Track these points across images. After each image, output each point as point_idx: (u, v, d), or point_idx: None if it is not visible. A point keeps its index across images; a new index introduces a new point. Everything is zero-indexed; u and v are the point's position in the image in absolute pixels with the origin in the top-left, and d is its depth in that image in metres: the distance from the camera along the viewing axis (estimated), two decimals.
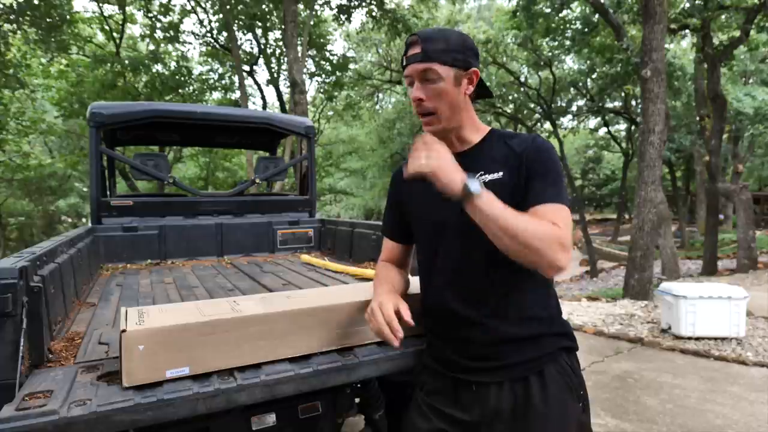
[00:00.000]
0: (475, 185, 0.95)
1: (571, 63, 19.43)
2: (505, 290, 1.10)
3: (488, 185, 1.08)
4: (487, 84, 1.24)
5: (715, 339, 4.64)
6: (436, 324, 1.22)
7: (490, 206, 0.96)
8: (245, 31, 14.47)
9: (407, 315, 1.12)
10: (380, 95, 22.66)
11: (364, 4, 12.56)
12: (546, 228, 0.97)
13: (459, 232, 1.10)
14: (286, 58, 11.90)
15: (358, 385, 1.63)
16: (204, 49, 15.33)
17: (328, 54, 15.81)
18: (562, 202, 1.06)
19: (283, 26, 11.03)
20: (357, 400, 1.61)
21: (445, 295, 1.17)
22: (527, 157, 1.09)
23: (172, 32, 13.57)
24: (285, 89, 15.60)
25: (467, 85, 1.13)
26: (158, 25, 13.27)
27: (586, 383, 1.19)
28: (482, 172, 1.11)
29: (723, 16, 10.90)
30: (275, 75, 16.05)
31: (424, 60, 1.08)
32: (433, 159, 0.97)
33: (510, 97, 19.89)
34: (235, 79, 14.82)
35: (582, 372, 1.20)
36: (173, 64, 14.66)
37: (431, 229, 1.21)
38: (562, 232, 0.99)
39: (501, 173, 1.10)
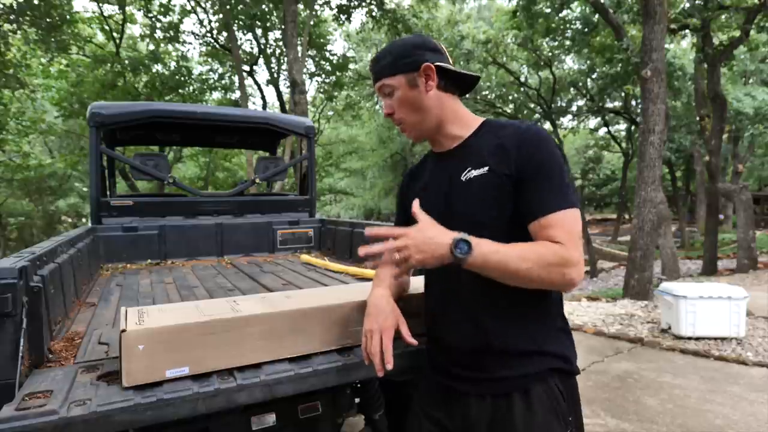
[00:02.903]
0: (461, 249, 0.92)
1: (571, 63, 19.44)
2: (498, 301, 1.06)
3: (472, 181, 1.08)
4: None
5: (715, 339, 4.64)
6: (432, 327, 1.22)
7: (485, 261, 0.94)
8: (245, 31, 14.47)
9: (408, 336, 1.12)
10: None
11: (364, 4, 12.56)
12: (547, 254, 0.95)
13: (456, 226, 1.09)
14: (286, 58, 11.91)
15: (358, 385, 1.63)
16: (204, 49, 15.33)
17: (328, 54, 15.82)
18: (564, 205, 1.00)
19: (283, 26, 11.03)
20: (357, 400, 1.61)
21: (441, 300, 1.17)
22: (519, 152, 1.03)
23: (172, 32, 13.57)
24: (285, 89, 15.61)
25: (426, 82, 1.10)
26: (158, 25, 13.27)
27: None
28: (469, 168, 1.09)
29: (723, 16, 10.88)
30: (275, 75, 16.05)
31: (376, 80, 1.14)
32: (411, 253, 0.94)
33: (510, 97, 19.88)
34: (235, 79, 14.84)
35: (576, 393, 1.11)
36: (173, 64, 14.67)
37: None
38: (565, 250, 0.96)
39: (486, 168, 1.06)
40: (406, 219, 1.31)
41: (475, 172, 1.08)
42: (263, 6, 12.86)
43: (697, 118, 12.38)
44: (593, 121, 24.40)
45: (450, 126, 1.15)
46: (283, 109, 15.24)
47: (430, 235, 0.95)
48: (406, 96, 1.11)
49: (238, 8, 12.78)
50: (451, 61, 1.15)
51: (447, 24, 16.35)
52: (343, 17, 12.87)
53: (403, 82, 1.10)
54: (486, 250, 0.94)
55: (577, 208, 1.02)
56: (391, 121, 1.16)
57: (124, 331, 1.03)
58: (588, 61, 16.54)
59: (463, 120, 1.15)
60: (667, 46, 9.86)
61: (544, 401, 1.04)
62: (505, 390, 1.05)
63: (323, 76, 16.70)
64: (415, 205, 1.03)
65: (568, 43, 15.03)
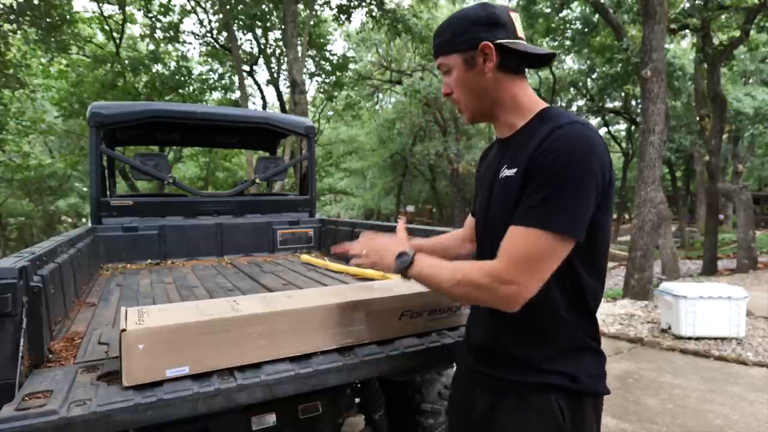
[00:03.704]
0: (401, 261, 1.08)
1: (571, 63, 19.46)
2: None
3: (502, 181, 1.03)
4: None
5: (715, 339, 4.63)
6: (468, 318, 1.24)
7: (419, 275, 1.06)
8: (245, 31, 14.47)
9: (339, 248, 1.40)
10: (380, 95, 22.65)
11: (364, 4, 12.55)
12: (473, 274, 0.94)
13: (489, 225, 1.07)
14: (286, 58, 11.91)
15: (358, 385, 1.63)
16: (204, 49, 15.34)
17: (328, 54, 15.82)
18: (533, 222, 0.90)
19: (283, 26, 11.03)
20: (357, 400, 1.61)
21: None
22: (537, 149, 0.93)
23: (172, 32, 13.57)
24: (285, 89, 15.62)
25: (484, 63, 1.00)
26: (158, 25, 13.28)
27: None
28: (505, 166, 1.02)
29: (723, 16, 10.89)
30: (275, 75, 16.05)
31: (435, 56, 1.08)
32: (370, 258, 1.19)
33: None
34: (235, 79, 14.84)
35: (588, 416, 1.00)
36: (173, 64, 14.67)
37: (477, 216, 1.18)
38: (497, 267, 0.91)
39: (515, 170, 0.97)
40: (475, 200, 1.26)
41: (507, 172, 1.01)
42: (263, 6, 12.86)
43: (697, 118, 12.38)
44: (593, 121, 24.39)
45: (505, 113, 1.06)
46: (283, 109, 15.24)
47: (384, 245, 1.16)
48: (462, 76, 1.04)
49: (238, 8, 12.78)
50: (521, 35, 1.02)
51: None
52: (343, 17, 12.86)
53: (459, 62, 1.03)
54: (423, 265, 1.05)
55: (553, 231, 0.88)
56: (450, 100, 1.10)
57: (124, 330, 1.03)
58: (588, 61, 16.56)
59: (520, 107, 1.04)
60: (667, 46, 9.87)
61: (538, 413, 0.99)
62: (501, 390, 1.04)
63: (323, 76, 16.70)
64: (400, 224, 1.32)
65: (568, 43, 15.05)
